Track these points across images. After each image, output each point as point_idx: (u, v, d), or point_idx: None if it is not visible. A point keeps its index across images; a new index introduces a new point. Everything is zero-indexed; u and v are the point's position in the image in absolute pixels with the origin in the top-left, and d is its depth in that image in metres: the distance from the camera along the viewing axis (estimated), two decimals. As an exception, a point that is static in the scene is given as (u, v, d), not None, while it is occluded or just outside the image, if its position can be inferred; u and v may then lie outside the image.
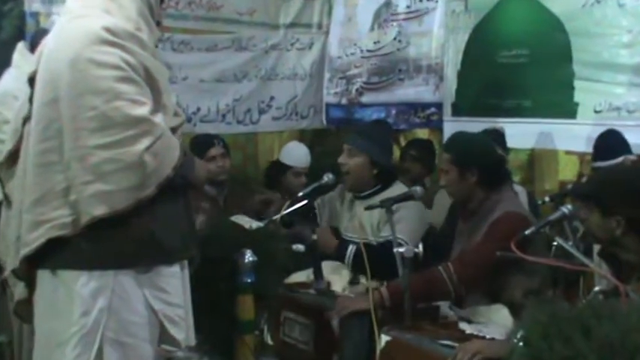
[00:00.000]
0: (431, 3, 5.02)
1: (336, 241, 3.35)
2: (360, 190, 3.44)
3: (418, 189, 3.16)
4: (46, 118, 2.09)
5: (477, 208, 3.02)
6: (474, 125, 4.26)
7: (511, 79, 4.52)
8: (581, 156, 4.24)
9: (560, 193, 3.92)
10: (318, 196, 3.60)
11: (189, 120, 4.84)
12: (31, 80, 2.19)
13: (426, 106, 5.10)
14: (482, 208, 3.00)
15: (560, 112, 4.26)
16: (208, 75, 5.23)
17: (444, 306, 2.91)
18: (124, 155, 2.02)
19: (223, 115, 5.31)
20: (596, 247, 2.71)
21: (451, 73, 4.87)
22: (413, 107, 5.19)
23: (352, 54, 5.57)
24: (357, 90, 5.52)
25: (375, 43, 5.40)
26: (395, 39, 5.24)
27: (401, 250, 2.76)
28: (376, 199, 3.21)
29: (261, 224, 3.05)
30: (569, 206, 2.62)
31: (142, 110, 2.05)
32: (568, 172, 4.37)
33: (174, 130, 2.18)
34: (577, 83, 4.18)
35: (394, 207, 3.04)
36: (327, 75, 5.73)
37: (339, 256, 3.29)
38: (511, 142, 4.05)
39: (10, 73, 3.13)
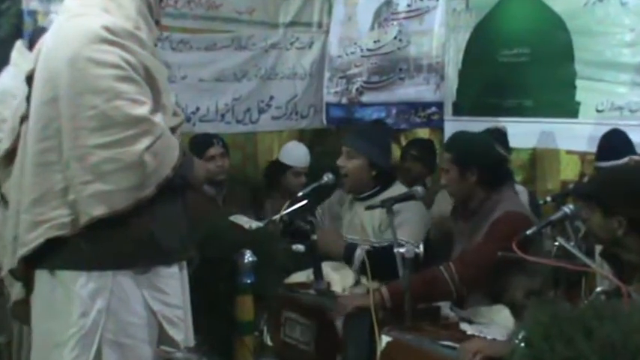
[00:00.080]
0: (432, 2, 5.00)
1: (343, 243, 3.34)
2: (359, 192, 3.44)
3: (419, 189, 3.16)
4: (44, 117, 2.08)
5: (477, 207, 3.03)
6: (475, 125, 4.25)
7: (512, 78, 4.51)
8: (583, 156, 4.23)
9: (561, 193, 3.91)
10: (318, 195, 3.60)
11: (188, 119, 4.83)
12: (29, 79, 2.18)
13: (426, 105, 5.09)
14: (483, 207, 3.01)
15: (562, 112, 4.25)
16: (207, 74, 5.21)
17: (445, 307, 2.91)
18: (123, 155, 2.01)
19: (222, 115, 5.29)
20: (598, 248, 2.70)
21: (452, 72, 4.86)
22: (413, 107, 5.18)
23: (352, 53, 5.55)
24: (357, 89, 5.51)
25: (375, 42, 5.38)
26: (395, 38, 5.22)
27: (401, 250, 2.75)
28: (376, 200, 3.21)
29: (260, 224, 3.04)
30: (571, 206, 2.61)
31: (142, 110, 2.04)
32: (570, 171, 4.36)
33: (173, 129, 2.18)
34: (579, 82, 4.16)
35: (396, 208, 3.04)
36: (327, 74, 5.72)
37: (346, 259, 3.27)
38: (512, 142, 4.04)
39: (8, 72, 3.12)
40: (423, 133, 5.27)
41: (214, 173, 3.90)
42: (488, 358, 2.30)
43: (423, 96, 5.10)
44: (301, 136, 5.57)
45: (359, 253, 3.23)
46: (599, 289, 2.40)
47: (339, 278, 3.20)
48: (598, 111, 4.09)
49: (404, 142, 5.19)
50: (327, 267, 3.19)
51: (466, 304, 2.93)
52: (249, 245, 2.72)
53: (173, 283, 2.18)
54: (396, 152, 4.87)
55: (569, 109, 4.21)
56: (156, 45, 2.25)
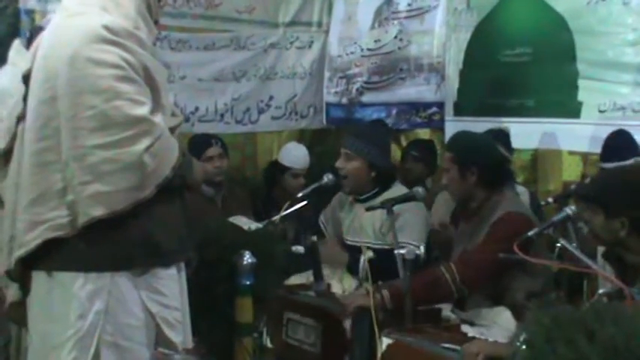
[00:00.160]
0: (432, 1, 4.99)
1: (346, 255, 3.33)
2: (359, 193, 3.44)
3: (420, 190, 3.17)
4: (43, 117, 2.07)
5: (478, 208, 3.03)
6: (476, 125, 4.24)
7: (514, 78, 4.49)
8: (585, 156, 4.22)
9: (563, 194, 3.90)
10: (318, 196, 3.58)
11: (187, 120, 4.82)
12: (26, 78, 2.17)
13: (427, 105, 5.07)
14: (484, 208, 3.01)
15: (564, 112, 4.23)
16: (206, 74, 5.19)
17: (446, 309, 2.91)
18: (123, 155, 2.01)
19: (222, 115, 5.27)
20: (600, 249, 2.69)
21: (453, 72, 4.84)
22: (414, 107, 5.16)
23: (352, 53, 5.53)
24: (357, 89, 5.49)
25: (375, 41, 5.36)
26: (396, 37, 5.21)
27: (402, 251, 2.74)
28: (376, 201, 3.20)
29: (260, 225, 3.03)
30: (573, 207, 2.60)
31: (142, 110, 2.04)
32: (572, 172, 4.35)
33: (172, 130, 2.17)
34: (581, 82, 4.15)
35: (397, 210, 3.03)
36: (327, 74, 5.70)
37: (351, 269, 3.26)
38: (514, 142, 4.02)
39: (6, 71, 3.10)
40: (424, 133, 5.26)
41: (213, 174, 3.88)
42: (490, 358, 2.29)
43: (423, 96, 5.09)
44: (301, 136, 5.56)
45: (362, 262, 3.21)
46: (601, 290, 2.40)
47: (339, 279, 3.20)
48: (600, 111, 4.07)
49: (404, 143, 5.19)
50: (327, 269, 3.17)
51: (467, 305, 2.92)
52: (249, 246, 2.71)
53: (171, 285, 2.17)
54: (397, 153, 4.87)
55: (571, 109, 4.19)
56: (155, 44, 2.24)
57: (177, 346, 2.19)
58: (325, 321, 2.92)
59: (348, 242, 3.46)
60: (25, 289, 2.16)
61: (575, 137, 4.20)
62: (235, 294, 2.68)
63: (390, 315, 2.77)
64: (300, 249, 3.08)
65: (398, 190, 3.35)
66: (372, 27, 5.39)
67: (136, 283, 2.10)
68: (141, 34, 2.12)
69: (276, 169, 4.47)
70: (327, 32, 5.70)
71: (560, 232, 2.75)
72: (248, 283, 2.67)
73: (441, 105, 4.97)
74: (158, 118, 2.08)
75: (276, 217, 3.26)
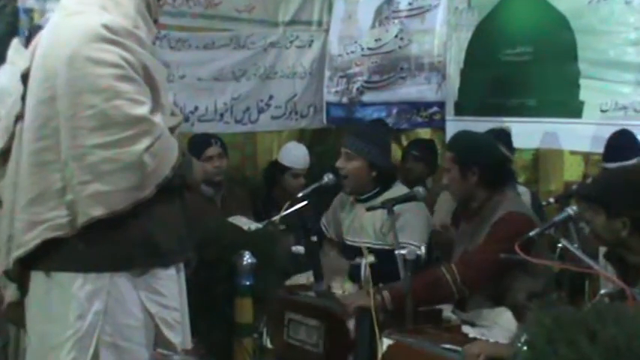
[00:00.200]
0: (433, 0, 4.98)
1: (347, 264, 3.30)
2: (360, 193, 3.43)
3: (420, 189, 3.17)
4: (42, 116, 2.07)
5: (479, 208, 3.02)
6: (477, 125, 4.23)
7: (515, 77, 4.49)
8: (587, 156, 4.21)
9: (564, 194, 3.89)
10: (319, 196, 3.57)
11: (186, 119, 4.80)
12: (24, 77, 2.16)
13: (428, 105, 5.07)
14: (485, 208, 3.00)
15: (566, 112, 4.22)
16: (206, 73, 5.18)
17: (447, 309, 2.90)
18: (123, 155, 2.00)
19: (221, 115, 5.26)
20: (602, 249, 2.68)
21: (454, 71, 4.83)
22: (415, 106, 5.15)
23: (353, 52, 5.52)
24: (357, 89, 5.48)
25: (376, 40, 5.35)
26: (396, 36, 5.20)
27: (403, 252, 2.74)
28: (377, 201, 3.20)
29: (259, 225, 3.03)
30: (575, 207, 2.59)
31: (142, 110, 2.03)
32: (573, 172, 4.35)
33: (171, 129, 2.16)
34: (583, 82, 4.14)
35: (398, 210, 3.02)
36: (327, 73, 5.69)
37: (352, 276, 3.26)
38: (515, 142, 4.02)
39: (4, 70, 3.10)
40: (425, 133, 5.26)
41: (212, 174, 3.88)
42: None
43: (424, 95, 5.08)
44: (301, 135, 5.55)
45: (364, 270, 3.20)
46: (602, 291, 2.39)
47: (340, 286, 3.19)
48: (602, 111, 4.06)
49: (405, 143, 5.18)
50: (327, 270, 3.17)
51: (468, 306, 2.92)
52: (249, 247, 2.70)
53: (170, 285, 2.17)
54: (397, 152, 4.86)
55: (572, 108, 4.18)
56: (154, 43, 2.23)
57: (176, 347, 2.18)
58: (328, 321, 2.92)
59: (348, 242, 3.46)
60: (23, 289, 2.15)
61: (577, 137, 4.19)
62: (235, 294, 2.67)
63: (391, 316, 2.76)
64: (300, 249, 3.07)
65: (399, 190, 3.35)
66: (373, 26, 5.38)
67: (135, 283, 2.09)
68: (140, 33, 2.12)
69: (276, 169, 4.46)
70: (327, 31, 5.69)
71: (561, 233, 2.74)
72: (248, 283, 2.67)
73: (441, 104, 4.96)
74: (158, 118, 2.07)
75: (276, 217, 3.25)
